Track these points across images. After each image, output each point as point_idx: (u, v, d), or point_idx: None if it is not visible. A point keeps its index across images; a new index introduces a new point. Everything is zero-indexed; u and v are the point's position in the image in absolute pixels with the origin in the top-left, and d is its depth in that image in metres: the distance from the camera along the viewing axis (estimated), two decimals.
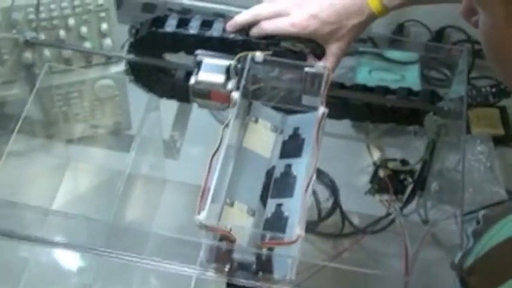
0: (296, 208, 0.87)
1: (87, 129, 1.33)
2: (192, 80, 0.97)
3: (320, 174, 1.27)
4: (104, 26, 1.18)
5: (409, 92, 1.04)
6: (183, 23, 1.02)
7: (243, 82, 0.95)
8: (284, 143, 0.98)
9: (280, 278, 0.85)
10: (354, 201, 1.23)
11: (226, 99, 0.95)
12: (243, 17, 1.00)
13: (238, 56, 0.97)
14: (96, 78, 1.24)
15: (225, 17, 1.04)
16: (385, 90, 1.05)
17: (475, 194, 1.30)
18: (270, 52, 0.98)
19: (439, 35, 1.49)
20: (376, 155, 1.27)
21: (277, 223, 0.87)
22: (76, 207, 1.26)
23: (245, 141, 0.96)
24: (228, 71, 0.97)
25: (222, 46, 1.00)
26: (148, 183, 1.29)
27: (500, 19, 0.60)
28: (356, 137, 1.34)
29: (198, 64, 0.98)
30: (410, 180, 1.09)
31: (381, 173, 1.08)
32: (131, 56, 1.06)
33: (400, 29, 1.50)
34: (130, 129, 1.35)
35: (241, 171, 0.93)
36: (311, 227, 1.24)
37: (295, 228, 0.82)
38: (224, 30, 1.01)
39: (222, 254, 0.84)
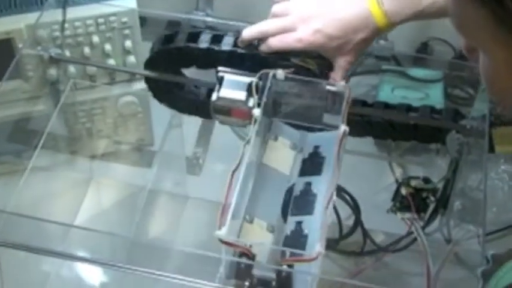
0: (316, 226, 0.87)
1: (110, 145, 1.34)
2: (214, 97, 0.98)
3: (341, 192, 1.27)
4: (128, 43, 1.20)
5: (432, 110, 1.04)
6: (193, 38, 1.02)
7: (264, 99, 0.96)
8: (304, 160, 0.98)
9: None
10: (375, 219, 1.22)
11: (247, 116, 0.96)
12: (249, 33, 1.00)
13: (260, 73, 0.97)
14: (119, 94, 1.25)
15: (235, 32, 1.04)
16: (408, 108, 1.04)
17: (498, 213, 1.28)
18: (292, 70, 0.99)
19: (463, 53, 1.48)
20: (398, 173, 1.27)
21: (297, 240, 0.87)
22: (99, 222, 1.26)
23: (265, 159, 0.97)
24: (249, 88, 0.97)
25: (231, 60, 1.01)
26: (171, 200, 1.30)
27: (500, 63, 0.60)
28: (378, 155, 1.33)
29: (220, 80, 0.99)
30: (432, 198, 1.07)
31: (403, 190, 1.07)
32: (152, 73, 1.07)
33: (424, 47, 1.49)
34: (153, 145, 1.35)
35: (261, 188, 0.94)
36: (332, 245, 1.23)
37: (316, 246, 0.82)
38: (234, 44, 1.01)
39: (241, 270, 0.84)
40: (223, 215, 0.82)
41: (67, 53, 1.16)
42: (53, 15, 1.12)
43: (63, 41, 1.15)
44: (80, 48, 1.18)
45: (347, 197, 1.26)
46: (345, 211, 1.24)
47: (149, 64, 1.06)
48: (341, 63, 0.99)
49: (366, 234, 1.22)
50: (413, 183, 1.06)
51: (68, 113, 1.25)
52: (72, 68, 1.19)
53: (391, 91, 1.38)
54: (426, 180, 1.08)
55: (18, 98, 1.19)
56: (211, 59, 1.01)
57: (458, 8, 0.60)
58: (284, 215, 0.93)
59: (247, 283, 0.85)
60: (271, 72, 0.97)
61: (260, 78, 0.97)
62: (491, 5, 0.55)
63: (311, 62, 1.00)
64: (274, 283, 0.84)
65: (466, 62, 1.41)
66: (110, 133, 1.32)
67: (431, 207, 1.08)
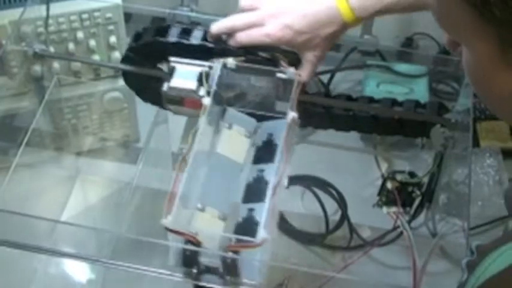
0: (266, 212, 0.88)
1: (96, 142, 1.34)
2: (165, 87, 0.99)
3: (328, 187, 1.28)
4: (113, 39, 1.19)
5: (416, 104, 1.04)
6: (162, 32, 1.03)
7: (214, 88, 0.97)
8: (258, 148, 0.99)
9: (249, 282, 0.86)
10: (362, 214, 1.22)
11: (199, 106, 0.96)
12: (217, 27, 1.01)
13: (210, 62, 0.99)
14: (104, 90, 1.25)
15: (204, 26, 1.04)
16: (392, 102, 1.04)
17: (483, 208, 1.29)
18: (243, 59, 1.00)
19: (447, 48, 1.48)
20: (384, 168, 1.27)
21: (248, 227, 0.87)
22: (85, 219, 1.26)
23: (219, 147, 0.97)
24: (200, 77, 0.98)
25: (201, 54, 1.01)
26: (157, 196, 1.29)
27: (483, 57, 0.60)
28: (364, 150, 1.34)
29: (171, 71, 1.00)
30: (418, 192, 1.08)
31: (389, 185, 1.07)
32: (141, 69, 1.07)
33: (408, 42, 1.50)
34: (139, 141, 1.35)
35: (214, 176, 0.94)
36: (319, 240, 1.24)
37: (261, 232, 0.83)
38: (204, 38, 1.02)
39: (188, 257, 0.85)
40: (170, 204, 0.84)
41: (51, 49, 1.15)
42: (36, 11, 1.12)
43: (47, 37, 1.14)
44: (65, 44, 1.17)
45: (333, 191, 1.27)
46: (332, 206, 1.25)
47: (124, 62, 1.06)
48: (309, 57, 1.00)
49: (352, 228, 1.22)
50: (398, 177, 1.06)
51: (53, 110, 1.24)
52: (56, 64, 1.18)
53: (377, 86, 1.39)
54: (412, 174, 1.08)
55: (2, 94, 1.18)
56: (180, 53, 1.01)
57: (439, 3, 0.60)
58: (237, 202, 0.94)
59: (195, 270, 0.86)
60: (221, 61, 0.99)
61: (211, 68, 0.99)
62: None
63: (280, 56, 1.01)
64: (221, 270, 0.85)
65: (451, 56, 1.43)
66: (95, 129, 1.31)
67: (417, 201, 1.08)
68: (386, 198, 1.08)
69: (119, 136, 1.34)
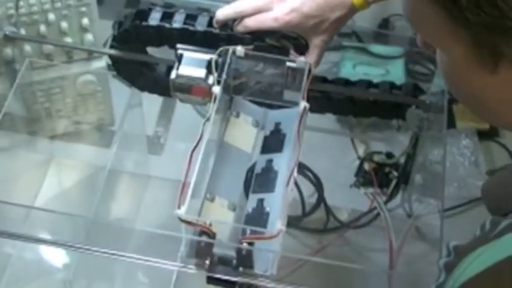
0: (277, 203, 0.87)
1: (70, 126, 1.32)
2: (173, 75, 0.97)
3: (304, 169, 1.27)
4: (85, 21, 1.17)
5: (392, 85, 1.04)
6: (167, 16, 1.01)
7: (224, 76, 0.95)
8: (266, 138, 0.98)
9: (261, 273, 0.85)
10: (338, 196, 1.22)
11: (207, 94, 0.95)
12: (224, 13, 0.99)
13: (219, 50, 0.97)
14: (78, 73, 1.23)
15: (209, 11, 1.03)
16: (368, 84, 1.04)
17: (459, 189, 1.29)
18: (252, 46, 0.98)
19: None
20: (361, 150, 1.27)
21: (258, 218, 0.87)
22: (59, 203, 1.25)
23: (226, 136, 0.96)
24: (209, 65, 0.96)
25: (206, 41, 1.00)
26: (132, 179, 1.28)
27: (458, 58, 0.59)
28: (340, 132, 1.34)
29: (179, 58, 0.97)
30: (395, 173, 1.08)
31: (366, 166, 1.07)
32: (113, 51, 1.06)
33: (385, 23, 1.49)
34: (113, 125, 1.34)
35: (222, 166, 0.93)
36: (295, 222, 1.23)
37: (277, 223, 0.82)
38: (209, 24, 1.00)
39: (202, 248, 0.84)
40: (183, 194, 0.82)
41: (22, 32, 1.14)
42: None
43: (18, 19, 1.12)
44: (36, 26, 1.15)
45: (309, 174, 1.26)
46: (308, 188, 1.24)
47: (119, 39, 1.04)
48: (317, 42, 0.99)
49: (329, 211, 1.22)
50: (376, 158, 1.07)
51: (26, 93, 1.22)
52: (28, 47, 1.16)
53: (353, 68, 1.38)
54: (389, 155, 1.08)
55: None
56: (184, 39, 0.99)
57: (411, 6, 0.59)
58: (246, 192, 0.93)
59: (207, 262, 0.85)
60: (230, 48, 0.97)
61: (220, 55, 0.97)
62: (444, 1, 0.55)
63: (286, 42, 0.99)
64: (234, 261, 0.84)
65: None
66: (69, 113, 1.30)
67: (394, 182, 1.09)
68: (363, 179, 1.09)
69: (93, 119, 1.33)
